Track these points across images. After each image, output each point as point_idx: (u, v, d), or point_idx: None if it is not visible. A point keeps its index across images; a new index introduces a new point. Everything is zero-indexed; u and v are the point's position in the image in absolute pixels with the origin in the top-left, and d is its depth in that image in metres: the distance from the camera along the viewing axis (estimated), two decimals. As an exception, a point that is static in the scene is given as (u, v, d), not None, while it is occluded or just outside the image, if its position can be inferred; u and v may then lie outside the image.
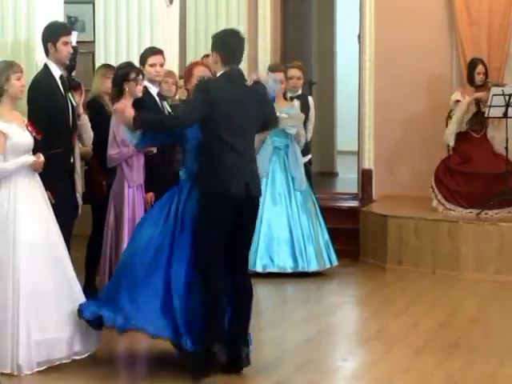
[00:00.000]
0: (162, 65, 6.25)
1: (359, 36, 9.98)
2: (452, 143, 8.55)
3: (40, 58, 6.27)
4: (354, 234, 8.80)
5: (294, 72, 8.40)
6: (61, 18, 6.78)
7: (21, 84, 4.93)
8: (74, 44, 6.22)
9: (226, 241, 4.74)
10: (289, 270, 7.69)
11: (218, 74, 4.93)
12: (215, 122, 4.72)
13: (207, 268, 4.75)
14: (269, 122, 5.12)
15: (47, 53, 5.67)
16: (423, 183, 8.84)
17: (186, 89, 5.38)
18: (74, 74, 6.31)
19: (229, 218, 4.73)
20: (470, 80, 8.38)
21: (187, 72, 5.37)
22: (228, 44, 4.96)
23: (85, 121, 6.17)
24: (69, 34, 5.71)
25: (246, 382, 4.92)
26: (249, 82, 5.00)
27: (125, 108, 4.99)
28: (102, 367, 5.24)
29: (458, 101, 8.40)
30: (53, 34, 5.63)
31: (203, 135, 4.72)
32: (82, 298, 5.18)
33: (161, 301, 4.74)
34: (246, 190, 4.75)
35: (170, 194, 4.97)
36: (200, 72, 5.16)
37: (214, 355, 4.61)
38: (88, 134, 6.45)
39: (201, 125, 4.73)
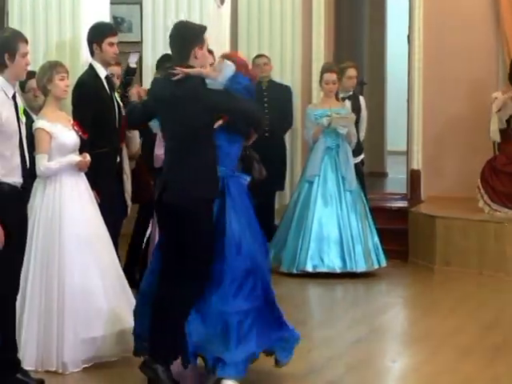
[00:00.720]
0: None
1: (409, 37, 10.12)
2: (498, 139, 8.58)
3: (86, 59, 6.25)
4: (403, 235, 8.91)
5: (352, 72, 8.51)
6: (107, 19, 6.76)
7: (65, 84, 4.90)
8: (133, 65, 6.31)
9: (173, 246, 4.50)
10: (337, 270, 7.79)
11: None
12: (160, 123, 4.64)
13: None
14: (229, 117, 4.52)
15: (92, 53, 5.67)
16: (470, 184, 8.87)
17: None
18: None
19: (160, 224, 4.66)
20: (510, 79, 8.46)
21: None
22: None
23: (132, 134, 6.16)
24: (115, 34, 5.69)
25: (298, 381, 5.03)
26: (178, 77, 4.37)
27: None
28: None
29: (496, 98, 8.50)
30: (98, 35, 5.61)
31: None
32: (130, 296, 5.16)
33: None
34: (158, 196, 4.51)
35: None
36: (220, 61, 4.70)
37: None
38: (135, 144, 6.45)
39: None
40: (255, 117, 4.63)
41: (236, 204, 4.53)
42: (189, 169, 4.43)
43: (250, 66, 5.72)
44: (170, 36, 4.57)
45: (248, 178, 4.72)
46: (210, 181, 4.42)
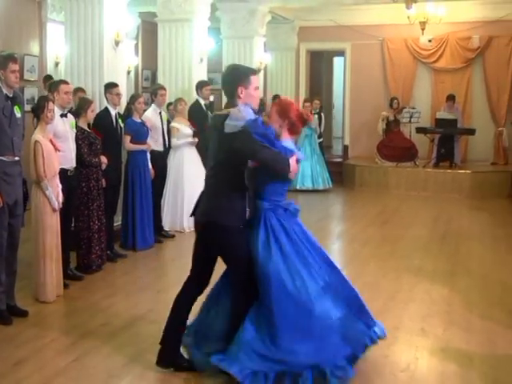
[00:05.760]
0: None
1: (344, 80, 17.10)
2: (381, 132, 14.94)
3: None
4: (340, 173, 15.36)
5: (317, 101, 14.66)
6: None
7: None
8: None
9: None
10: (310, 188, 14.00)
11: None
12: None
13: None
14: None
15: None
16: (371, 151, 15.25)
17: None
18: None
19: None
20: (390, 105, 15.00)
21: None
22: None
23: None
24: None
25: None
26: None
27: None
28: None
29: (382, 113, 15.00)
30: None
31: None
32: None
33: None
34: (192, 215, 4.71)
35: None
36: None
37: None
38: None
39: None
40: (275, 167, 4.46)
41: (276, 234, 4.51)
42: (212, 194, 4.60)
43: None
44: (222, 76, 4.73)
45: (297, 207, 4.71)
46: (227, 209, 4.47)
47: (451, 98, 14.75)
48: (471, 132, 14.75)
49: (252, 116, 4.46)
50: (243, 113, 4.41)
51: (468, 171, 14.27)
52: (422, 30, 14.44)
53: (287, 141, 4.66)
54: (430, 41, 15.92)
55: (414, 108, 15.09)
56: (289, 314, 4.43)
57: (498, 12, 15.23)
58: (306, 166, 14.01)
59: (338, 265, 4.95)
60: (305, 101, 14.76)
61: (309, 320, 4.45)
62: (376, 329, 4.80)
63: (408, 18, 14.24)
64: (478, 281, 7.56)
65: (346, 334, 4.55)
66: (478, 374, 4.95)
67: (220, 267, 4.90)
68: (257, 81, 4.68)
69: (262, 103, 13.13)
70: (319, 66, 19.60)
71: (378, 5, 15.28)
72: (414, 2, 13.46)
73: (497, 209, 12.58)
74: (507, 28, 15.35)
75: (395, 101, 15.20)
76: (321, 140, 14.92)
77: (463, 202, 13.19)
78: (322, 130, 15.01)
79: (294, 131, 4.68)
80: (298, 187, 13.98)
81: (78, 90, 8.65)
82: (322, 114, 15.21)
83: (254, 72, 4.70)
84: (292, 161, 4.52)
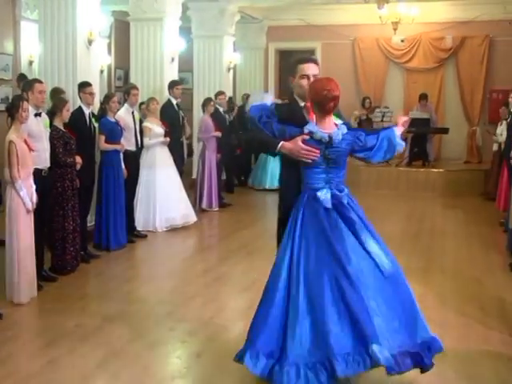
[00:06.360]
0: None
1: None
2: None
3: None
4: None
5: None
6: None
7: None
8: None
9: None
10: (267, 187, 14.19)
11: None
12: None
13: None
14: None
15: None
16: None
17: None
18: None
19: None
20: (362, 105, 15.21)
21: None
22: None
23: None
24: None
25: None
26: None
27: None
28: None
29: (354, 113, 15.13)
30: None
31: None
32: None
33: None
34: None
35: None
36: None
37: None
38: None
39: None
40: (259, 148, 5.08)
41: (308, 223, 4.41)
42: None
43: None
44: None
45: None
46: (282, 195, 4.75)
47: (424, 97, 14.92)
48: (444, 131, 14.92)
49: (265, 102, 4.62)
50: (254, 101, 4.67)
51: (441, 170, 14.42)
52: (395, 30, 14.60)
53: (312, 122, 4.55)
54: (402, 41, 16.07)
55: (386, 107, 15.15)
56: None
57: (471, 13, 15.48)
58: (275, 166, 14.04)
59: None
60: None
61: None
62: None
63: (380, 18, 14.39)
64: (452, 277, 7.64)
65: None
66: (452, 369, 4.99)
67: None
68: (304, 69, 4.71)
69: (231, 102, 13.63)
70: (288, 65, 19.47)
71: (349, 5, 15.42)
72: (386, 2, 13.57)
73: (470, 207, 12.68)
74: (480, 29, 15.59)
75: (367, 100, 15.40)
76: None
77: (436, 201, 13.32)
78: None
79: (316, 110, 4.51)
80: (267, 186, 14.21)
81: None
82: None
83: (301, 61, 4.75)
84: (294, 141, 4.46)
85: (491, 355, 5.31)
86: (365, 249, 4.41)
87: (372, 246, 4.43)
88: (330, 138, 4.46)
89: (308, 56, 4.91)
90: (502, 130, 11.60)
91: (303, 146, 4.46)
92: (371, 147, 4.61)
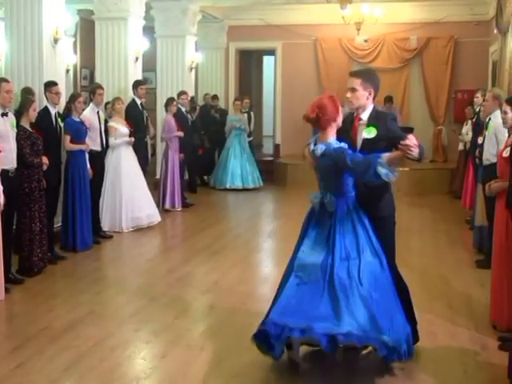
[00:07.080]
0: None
1: (274, 81, 17.05)
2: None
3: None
4: (272, 172, 15.47)
5: (247, 100, 15.20)
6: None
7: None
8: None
9: None
10: (240, 187, 14.23)
11: (367, 108, 4.95)
12: None
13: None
14: None
15: None
16: (301, 149, 15.31)
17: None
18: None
19: None
20: None
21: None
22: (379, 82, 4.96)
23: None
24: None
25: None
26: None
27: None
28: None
29: None
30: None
31: None
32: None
33: None
34: None
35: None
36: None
37: None
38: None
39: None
40: None
41: (341, 224, 4.74)
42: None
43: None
44: None
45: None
46: None
47: (389, 100, 14.82)
48: (409, 130, 14.95)
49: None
50: None
51: (406, 169, 14.42)
52: (358, 30, 14.59)
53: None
54: (365, 41, 16.09)
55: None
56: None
57: (436, 14, 15.62)
58: (235, 165, 14.36)
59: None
60: (235, 99, 15.06)
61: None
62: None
63: (343, 18, 14.37)
64: (418, 274, 7.66)
65: None
66: (419, 366, 5.03)
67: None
68: (348, 82, 5.08)
69: (193, 101, 14.15)
70: (249, 64, 19.76)
71: (310, 5, 15.41)
72: (348, 2, 13.55)
73: (437, 205, 12.79)
74: (445, 30, 15.74)
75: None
76: (251, 139, 15.14)
77: (402, 199, 13.18)
78: (251, 129, 15.22)
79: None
80: (227, 186, 14.34)
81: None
82: (252, 113, 15.44)
83: (349, 73, 5.14)
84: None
85: (459, 351, 5.37)
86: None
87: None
88: (313, 151, 4.76)
89: (353, 70, 5.23)
90: (467, 129, 11.79)
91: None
92: (353, 168, 4.70)
